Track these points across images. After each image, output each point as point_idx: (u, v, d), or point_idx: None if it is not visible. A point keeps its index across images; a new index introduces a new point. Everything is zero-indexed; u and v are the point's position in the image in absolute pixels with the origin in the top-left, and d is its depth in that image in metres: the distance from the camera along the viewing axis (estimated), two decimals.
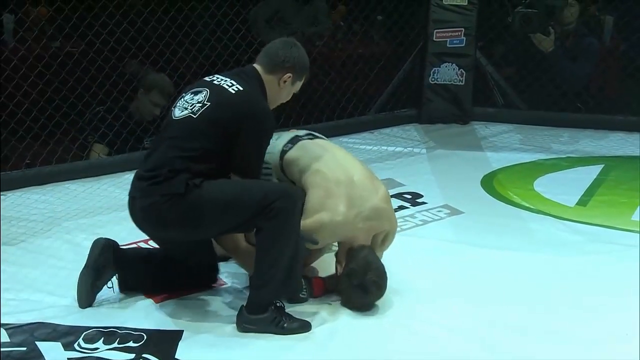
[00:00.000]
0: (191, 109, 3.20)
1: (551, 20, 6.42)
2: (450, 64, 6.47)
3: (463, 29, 6.42)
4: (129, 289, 3.39)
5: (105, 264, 3.30)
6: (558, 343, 3.11)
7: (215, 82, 3.27)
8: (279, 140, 3.62)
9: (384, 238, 3.49)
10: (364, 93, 6.51)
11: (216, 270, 3.51)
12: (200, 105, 3.20)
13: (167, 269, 3.41)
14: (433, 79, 6.50)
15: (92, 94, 5.22)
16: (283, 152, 3.57)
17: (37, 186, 4.85)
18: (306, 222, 3.30)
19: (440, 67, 6.48)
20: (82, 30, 5.26)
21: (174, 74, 5.41)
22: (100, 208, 4.51)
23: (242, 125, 3.14)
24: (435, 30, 6.41)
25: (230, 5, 5.76)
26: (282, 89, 3.33)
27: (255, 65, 3.35)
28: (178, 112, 3.24)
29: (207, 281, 3.51)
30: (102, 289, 3.33)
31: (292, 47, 3.37)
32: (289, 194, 3.13)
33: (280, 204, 3.05)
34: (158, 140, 3.29)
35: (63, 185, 4.91)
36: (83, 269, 3.30)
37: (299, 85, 3.39)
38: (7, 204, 4.55)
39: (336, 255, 3.47)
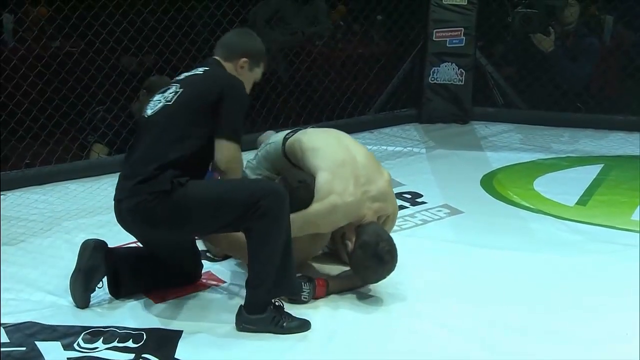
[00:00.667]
0: (164, 101, 3.27)
1: (551, 20, 6.43)
2: (450, 63, 6.47)
3: (463, 29, 6.42)
4: (118, 292, 3.38)
5: (97, 266, 3.29)
6: (558, 343, 3.10)
7: (179, 79, 3.38)
8: (281, 133, 3.74)
9: (385, 221, 3.55)
10: (363, 93, 6.51)
11: (200, 266, 3.55)
12: (173, 94, 3.27)
13: (154, 268, 3.41)
14: (433, 79, 6.50)
15: (91, 94, 5.22)
16: (285, 139, 3.65)
17: (37, 186, 4.86)
18: (318, 207, 3.34)
19: (440, 66, 6.48)
20: (82, 30, 5.26)
21: (173, 73, 5.40)
22: (100, 208, 4.51)
23: (220, 93, 3.20)
24: (435, 30, 6.41)
25: (229, 5, 5.76)
26: (240, 76, 3.37)
27: (214, 57, 3.43)
28: (150, 111, 3.30)
29: (192, 278, 3.52)
30: (95, 290, 3.32)
31: (245, 34, 3.50)
32: (276, 191, 3.14)
33: (267, 203, 3.06)
34: (136, 142, 3.31)
35: (63, 185, 4.91)
36: (74, 272, 3.29)
37: (258, 72, 3.45)
38: (7, 203, 4.55)
39: (342, 236, 3.50)
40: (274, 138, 3.75)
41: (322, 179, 3.40)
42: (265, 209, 3.05)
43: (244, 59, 3.37)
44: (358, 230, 3.40)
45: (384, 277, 3.41)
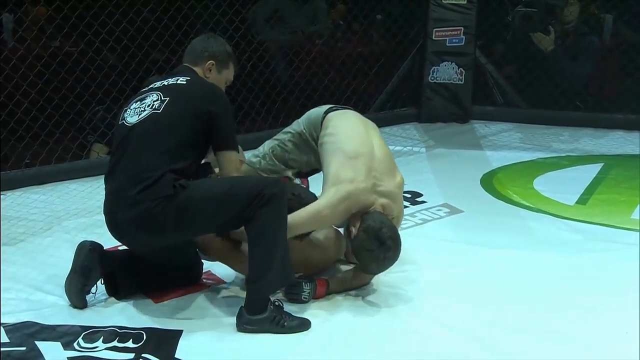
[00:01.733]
0: (150, 109, 3.23)
1: (551, 19, 6.43)
2: (450, 62, 6.48)
3: (462, 28, 6.43)
4: (116, 292, 3.38)
5: (92, 267, 3.28)
6: (558, 343, 3.10)
7: (156, 87, 3.34)
8: (326, 106, 3.81)
9: None
10: (363, 92, 6.52)
11: (200, 266, 3.55)
12: (159, 102, 3.24)
13: (153, 269, 3.40)
14: (432, 78, 6.51)
15: (91, 94, 5.22)
16: (329, 110, 3.72)
17: (36, 186, 4.86)
18: (331, 191, 3.35)
19: (439, 65, 6.49)
20: (81, 30, 5.26)
21: None
22: (100, 207, 4.40)
23: (209, 103, 3.22)
24: (435, 29, 6.42)
25: (229, 4, 5.76)
26: (209, 79, 3.41)
27: (184, 64, 3.46)
28: (133, 119, 3.24)
29: (192, 277, 3.52)
30: (90, 292, 3.32)
31: (209, 38, 3.51)
32: (275, 182, 3.18)
33: (269, 191, 3.08)
34: (121, 150, 3.24)
35: (63, 185, 4.91)
36: (69, 273, 3.29)
37: (227, 73, 3.48)
38: (7, 203, 4.55)
39: (347, 226, 3.49)
40: (319, 107, 3.83)
41: (333, 170, 3.44)
42: (268, 197, 3.07)
43: (210, 62, 3.41)
44: (363, 217, 3.38)
45: (384, 267, 3.38)
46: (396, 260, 3.38)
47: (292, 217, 3.25)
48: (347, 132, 3.59)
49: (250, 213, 3.08)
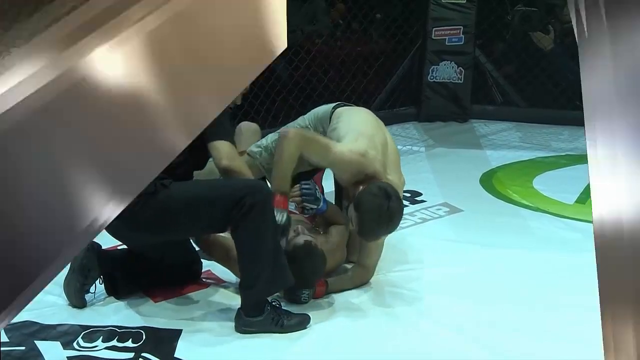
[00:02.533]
0: None
1: (550, 18, 6.43)
2: (449, 61, 6.48)
3: (462, 27, 6.42)
4: (115, 292, 3.38)
5: (91, 266, 3.29)
6: (558, 342, 3.09)
7: None
8: (332, 104, 3.85)
9: None
10: (363, 91, 6.51)
11: (199, 265, 3.54)
12: None
13: (152, 268, 3.41)
14: (432, 77, 6.51)
15: None
16: (337, 106, 3.75)
17: None
18: (349, 145, 3.35)
19: (439, 65, 6.49)
20: None
21: None
22: None
23: None
24: (434, 28, 6.42)
25: None
26: None
27: None
28: None
29: (191, 276, 3.52)
30: (89, 291, 3.32)
31: None
32: (259, 187, 3.14)
33: (251, 199, 3.04)
34: None
35: None
36: (68, 272, 3.29)
37: None
38: None
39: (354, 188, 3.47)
40: (326, 105, 3.87)
41: (350, 139, 3.42)
42: (250, 205, 3.04)
43: None
44: (370, 181, 3.34)
45: (382, 227, 3.30)
46: (395, 227, 3.34)
47: (303, 134, 3.31)
48: (359, 121, 3.60)
49: (233, 220, 3.06)
